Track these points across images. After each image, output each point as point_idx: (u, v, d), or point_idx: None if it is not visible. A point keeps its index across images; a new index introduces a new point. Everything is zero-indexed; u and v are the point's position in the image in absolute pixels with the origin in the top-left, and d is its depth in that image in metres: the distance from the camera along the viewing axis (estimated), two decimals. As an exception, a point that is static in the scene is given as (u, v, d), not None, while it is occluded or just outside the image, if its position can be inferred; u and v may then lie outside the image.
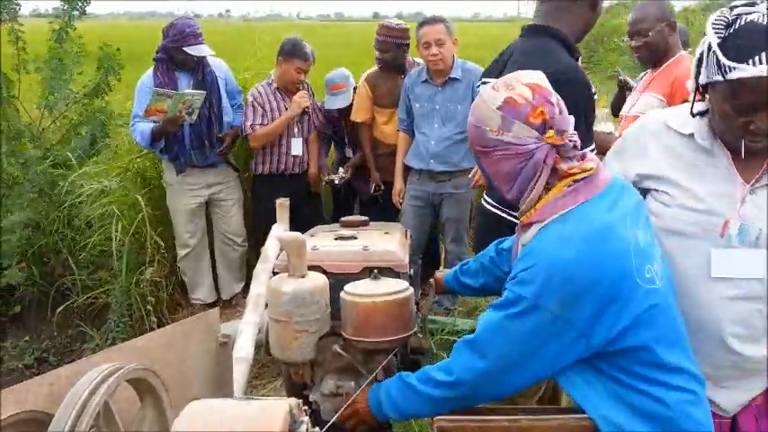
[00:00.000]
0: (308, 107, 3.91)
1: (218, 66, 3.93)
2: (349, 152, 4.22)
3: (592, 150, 1.73)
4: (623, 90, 3.61)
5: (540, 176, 1.35)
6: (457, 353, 1.45)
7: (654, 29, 2.64)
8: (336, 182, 4.01)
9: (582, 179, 1.36)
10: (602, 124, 2.77)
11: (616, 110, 3.91)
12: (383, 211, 3.90)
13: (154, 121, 3.62)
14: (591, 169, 1.38)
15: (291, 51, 3.86)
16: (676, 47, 2.68)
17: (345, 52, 8.97)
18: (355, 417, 1.62)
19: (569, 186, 1.35)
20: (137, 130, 3.74)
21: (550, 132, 1.34)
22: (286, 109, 3.89)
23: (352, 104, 3.99)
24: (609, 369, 1.35)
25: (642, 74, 3.07)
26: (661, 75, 2.68)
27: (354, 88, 4.01)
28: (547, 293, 1.28)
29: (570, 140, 1.37)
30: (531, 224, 1.38)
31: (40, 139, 4.49)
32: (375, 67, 4.03)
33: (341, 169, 4.08)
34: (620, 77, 3.65)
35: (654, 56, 2.72)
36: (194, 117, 3.67)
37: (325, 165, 4.15)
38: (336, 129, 4.22)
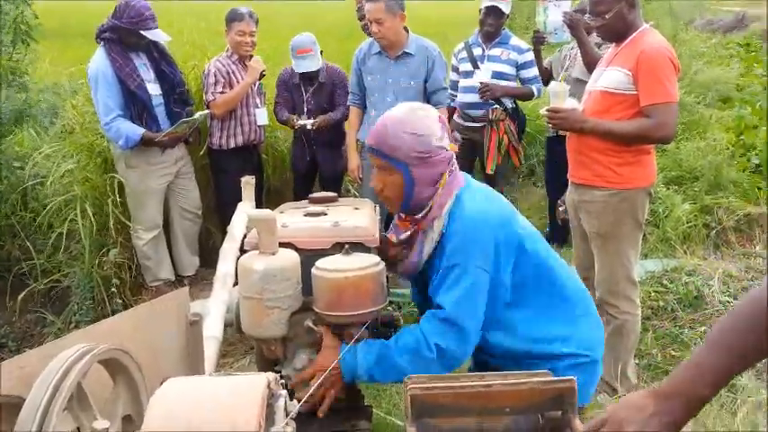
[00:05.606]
0: (264, 70, 3.98)
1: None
2: (306, 122, 4.05)
3: None
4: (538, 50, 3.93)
5: (446, 176, 1.72)
6: (439, 334, 1.66)
7: (611, 10, 2.62)
8: (309, 126, 3.94)
9: (451, 172, 1.74)
10: (567, 101, 2.74)
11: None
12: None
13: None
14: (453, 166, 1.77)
15: (230, 17, 3.95)
16: (638, 21, 2.67)
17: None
18: (322, 376, 1.68)
19: (449, 177, 1.73)
20: (120, 130, 3.52)
21: (451, 144, 1.76)
22: None
23: (318, 71, 3.98)
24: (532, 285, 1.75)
25: (605, 45, 3.06)
26: (625, 49, 2.67)
27: (321, 52, 4.00)
28: (479, 255, 1.65)
29: None
30: (435, 216, 1.71)
31: None
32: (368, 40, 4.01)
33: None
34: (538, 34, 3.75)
35: (614, 35, 2.72)
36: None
37: (289, 117, 4.07)
38: (296, 98, 4.14)
